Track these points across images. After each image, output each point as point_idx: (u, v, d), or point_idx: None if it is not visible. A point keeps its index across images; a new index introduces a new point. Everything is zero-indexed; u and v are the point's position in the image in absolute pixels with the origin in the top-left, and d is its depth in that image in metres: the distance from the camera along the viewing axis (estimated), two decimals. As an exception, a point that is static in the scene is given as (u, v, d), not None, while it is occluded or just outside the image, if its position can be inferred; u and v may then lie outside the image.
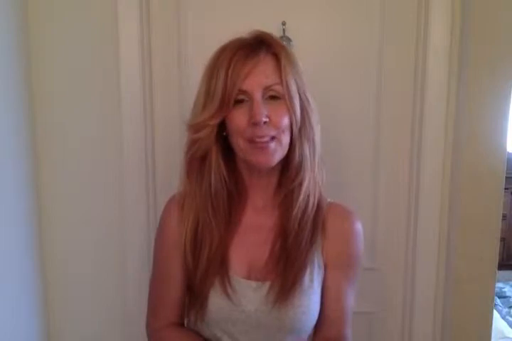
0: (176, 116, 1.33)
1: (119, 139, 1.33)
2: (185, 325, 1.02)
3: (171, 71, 1.35)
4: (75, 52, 1.30)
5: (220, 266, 0.92)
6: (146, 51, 1.32)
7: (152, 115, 1.35)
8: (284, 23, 1.29)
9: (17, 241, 1.25)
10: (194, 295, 0.94)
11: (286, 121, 0.88)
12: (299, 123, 0.90)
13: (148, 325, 1.02)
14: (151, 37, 1.33)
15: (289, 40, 1.29)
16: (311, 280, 0.93)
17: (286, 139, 0.90)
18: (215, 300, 0.91)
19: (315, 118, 0.93)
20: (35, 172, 1.32)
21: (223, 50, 0.90)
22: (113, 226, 1.37)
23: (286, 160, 0.92)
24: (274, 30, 1.26)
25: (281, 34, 1.29)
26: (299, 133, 0.91)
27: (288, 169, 0.93)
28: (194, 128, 0.91)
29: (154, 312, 1.01)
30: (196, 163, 0.93)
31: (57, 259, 1.38)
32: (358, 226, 0.99)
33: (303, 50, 1.31)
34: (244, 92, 0.87)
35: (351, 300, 0.99)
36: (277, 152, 0.89)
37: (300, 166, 0.92)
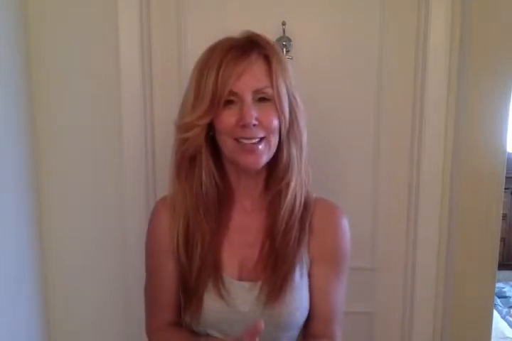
0: (176, 116, 1.32)
1: (119, 139, 1.33)
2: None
3: (171, 71, 1.35)
4: (75, 52, 1.30)
5: (213, 268, 0.92)
6: (146, 51, 1.32)
7: (152, 115, 1.36)
8: (284, 23, 1.29)
9: (17, 241, 1.25)
10: (189, 297, 0.93)
11: (275, 122, 0.88)
12: (287, 125, 0.90)
13: (146, 328, 1.03)
14: (151, 37, 1.33)
15: (289, 40, 1.29)
16: (301, 277, 0.93)
17: (274, 141, 0.90)
18: (210, 302, 0.91)
19: (303, 120, 0.93)
20: (35, 172, 1.32)
21: (213, 49, 0.89)
22: (113, 226, 1.37)
23: (274, 162, 0.92)
24: (274, 30, 1.27)
25: (281, 34, 1.29)
26: (287, 134, 0.91)
27: (275, 170, 0.93)
28: (183, 128, 0.90)
29: (151, 315, 1.01)
30: (186, 163, 0.93)
31: (57, 259, 1.38)
32: (344, 220, 0.99)
33: (303, 50, 1.31)
34: (234, 94, 0.86)
35: (341, 297, 0.98)
36: (265, 153, 0.89)
37: (287, 167, 0.92)
